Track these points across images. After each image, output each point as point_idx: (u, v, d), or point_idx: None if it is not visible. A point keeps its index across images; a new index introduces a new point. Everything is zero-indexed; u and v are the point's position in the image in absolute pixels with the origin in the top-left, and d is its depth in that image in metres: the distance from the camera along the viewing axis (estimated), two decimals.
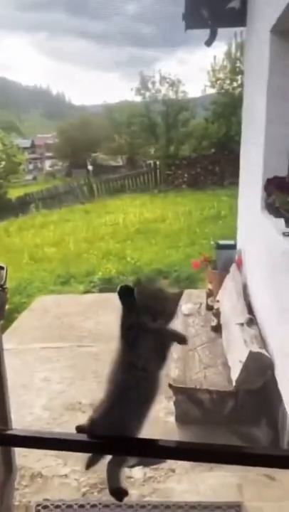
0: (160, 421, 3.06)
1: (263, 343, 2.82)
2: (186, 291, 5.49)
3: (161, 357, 1.06)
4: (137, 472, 2.50)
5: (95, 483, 2.39)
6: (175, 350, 3.14)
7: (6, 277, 1.70)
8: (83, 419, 3.07)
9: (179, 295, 1.05)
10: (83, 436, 1.04)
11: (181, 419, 2.92)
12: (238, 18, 4.24)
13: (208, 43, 4.62)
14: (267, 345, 2.82)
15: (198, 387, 2.81)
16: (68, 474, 2.47)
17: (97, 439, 1.04)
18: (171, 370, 2.96)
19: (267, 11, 2.97)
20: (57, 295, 5.92)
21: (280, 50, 2.92)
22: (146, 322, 1.01)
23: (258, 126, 3.25)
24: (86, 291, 5.89)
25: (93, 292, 5.85)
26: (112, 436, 1.04)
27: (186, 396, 2.84)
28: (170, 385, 2.83)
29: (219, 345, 3.20)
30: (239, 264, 3.97)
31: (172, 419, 3.01)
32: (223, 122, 16.67)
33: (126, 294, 1.04)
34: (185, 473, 2.45)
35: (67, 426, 3.13)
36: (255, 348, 2.61)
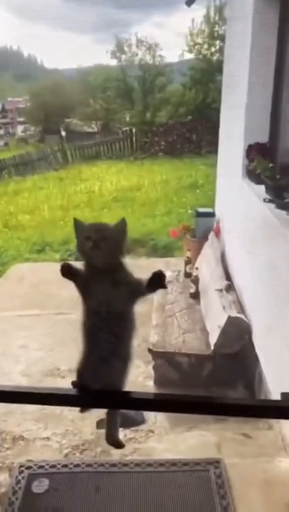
0: (139, 385, 3.11)
1: (240, 308, 2.87)
2: (164, 260, 5.53)
3: (123, 294, 1.06)
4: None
5: (77, 445, 2.43)
6: (154, 317, 3.17)
7: None
8: (62, 384, 3.09)
9: (121, 223, 1.07)
10: (67, 390, 1.06)
11: (160, 382, 2.98)
12: None
13: (189, 2, 4.47)
14: (245, 310, 2.88)
15: (176, 351, 2.86)
16: (50, 437, 2.50)
17: (85, 391, 1.06)
18: (151, 335, 3.00)
19: None
20: (32, 263, 5.84)
21: (263, 13, 2.85)
22: (92, 255, 1.02)
23: (240, 92, 3.20)
24: (62, 260, 5.82)
25: (69, 260, 5.79)
26: (100, 391, 1.07)
27: (164, 360, 2.89)
28: (149, 350, 2.87)
29: (198, 312, 3.25)
30: (217, 232, 4.00)
31: (151, 383, 3.07)
32: (200, 89, 16.39)
33: (65, 270, 1.07)
34: (165, 434, 2.51)
35: None
36: (234, 313, 2.67)
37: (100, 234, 1.03)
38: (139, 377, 3.22)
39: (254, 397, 2.82)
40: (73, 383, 1.15)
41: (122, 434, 2.66)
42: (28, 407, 2.69)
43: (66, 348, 3.64)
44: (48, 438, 2.49)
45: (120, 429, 1.23)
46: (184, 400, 1.07)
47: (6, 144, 31.23)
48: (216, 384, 2.89)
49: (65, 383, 3.21)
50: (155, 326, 3.07)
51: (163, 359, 2.85)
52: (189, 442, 2.43)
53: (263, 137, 3.04)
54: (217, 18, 15.82)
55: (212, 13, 15.85)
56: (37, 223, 8.09)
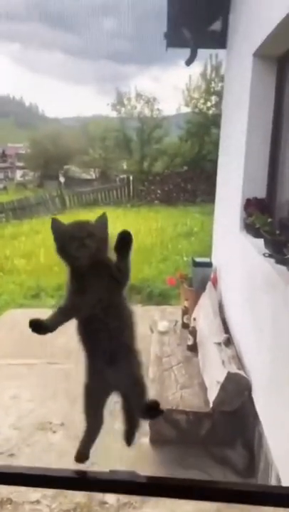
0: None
1: (240, 363, 2.81)
2: (160, 308, 5.46)
3: (111, 286, 1.00)
4: (111, 497, 2.41)
5: (68, 509, 2.29)
6: (151, 370, 3.09)
7: None
8: (54, 439, 2.95)
9: (102, 217, 1.02)
10: (70, 472, 0.96)
11: (156, 440, 2.86)
12: (219, 40, 4.34)
13: (189, 62, 4.69)
14: (244, 366, 2.81)
15: (174, 408, 2.76)
16: (40, 499, 2.36)
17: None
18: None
19: (250, 35, 3.04)
20: (27, 309, 5.76)
21: (261, 73, 2.98)
22: (78, 255, 0.96)
23: (238, 148, 3.29)
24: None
25: None
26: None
27: (161, 417, 2.78)
28: None
29: (195, 365, 3.17)
30: (215, 281, 3.98)
31: (146, 440, 2.94)
32: (196, 141, 16.96)
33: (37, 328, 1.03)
34: (161, 499, 2.38)
35: (38, 447, 3.01)
36: (233, 369, 2.60)
37: (85, 231, 0.98)
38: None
39: (253, 458, 2.70)
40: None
41: (115, 497, 2.53)
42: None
43: (59, 400, 3.52)
44: (37, 501, 2.34)
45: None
46: (168, 484, 0.96)
47: (4, 188, 31.75)
48: (214, 443, 2.78)
49: (56, 438, 3.07)
50: (152, 380, 2.98)
51: (160, 416, 2.74)
52: (186, 509, 2.29)
53: (261, 191, 3.11)
54: (213, 75, 16.62)
55: (209, 71, 16.66)
56: (32, 268, 8.06)
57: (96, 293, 0.99)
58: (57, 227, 1.01)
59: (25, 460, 2.87)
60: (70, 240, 0.98)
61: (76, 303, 1.03)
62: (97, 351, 1.03)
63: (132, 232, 1.02)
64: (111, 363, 1.02)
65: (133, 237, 1.03)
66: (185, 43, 4.39)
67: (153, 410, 1.07)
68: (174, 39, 4.41)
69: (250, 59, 2.96)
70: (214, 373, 2.76)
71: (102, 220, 1.02)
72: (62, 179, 23.24)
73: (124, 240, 1.00)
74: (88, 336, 1.03)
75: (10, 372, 3.99)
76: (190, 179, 16.71)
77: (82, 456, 1.11)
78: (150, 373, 3.06)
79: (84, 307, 1.01)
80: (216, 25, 4.24)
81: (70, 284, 1.02)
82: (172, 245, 9.49)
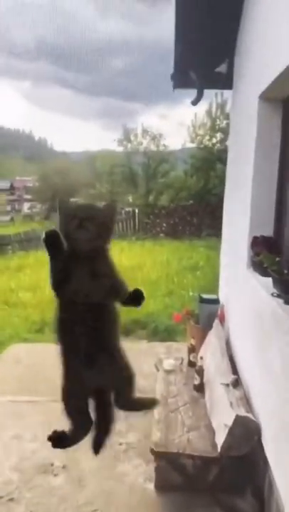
0: (138, 488, 2.88)
1: (248, 405, 2.73)
2: (166, 344, 5.39)
3: (101, 285, 0.94)
4: None
5: None
6: (157, 411, 3.01)
7: None
8: (55, 483, 2.84)
9: (110, 205, 0.97)
10: None
11: (161, 486, 2.76)
12: (225, 81, 4.47)
13: (195, 102, 4.82)
14: (253, 408, 2.73)
15: (180, 451, 2.66)
16: None
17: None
18: (153, 432, 2.82)
19: (255, 78, 3.12)
20: (30, 344, 5.69)
21: (267, 115, 3.04)
22: (76, 236, 0.91)
23: (244, 187, 3.32)
24: None
25: None
26: None
27: (167, 461, 2.68)
28: (151, 450, 2.68)
29: (202, 406, 3.09)
30: (222, 318, 3.94)
31: (151, 486, 2.83)
32: (201, 176, 17.21)
33: (51, 239, 0.96)
34: None
35: (39, 491, 2.90)
36: (242, 412, 2.52)
37: (86, 213, 0.93)
38: (139, 478, 2.99)
39: (263, 506, 2.58)
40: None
41: None
42: None
43: None
44: None
45: None
46: None
47: (11, 219, 32.16)
48: (222, 489, 2.67)
49: (58, 482, 2.97)
50: (157, 421, 2.89)
51: (166, 460, 2.65)
52: None
53: (268, 228, 3.11)
54: (219, 112, 17.03)
55: (214, 108, 17.09)
56: (37, 301, 8.03)
57: (82, 284, 0.94)
58: (63, 206, 0.97)
59: (26, 505, 2.77)
60: (71, 219, 0.94)
61: (63, 276, 0.96)
62: (76, 349, 0.96)
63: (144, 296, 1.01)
64: (90, 362, 0.96)
65: (145, 299, 1.00)
66: (191, 84, 4.52)
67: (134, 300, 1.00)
68: (180, 80, 4.54)
69: (256, 101, 3.02)
70: (222, 416, 2.68)
71: (110, 208, 0.98)
72: None
73: (136, 300, 0.99)
74: (67, 331, 0.97)
75: (12, 409, 3.89)
76: (195, 213, 16.85)
77: (57, 436, 1.04)
78: (156, 414, 2.98)
79: (68, 287, 0.95)
80: (222, 68, 4.37)
81: (64, 262, 0.96)
82: (178, 279, 9.45)
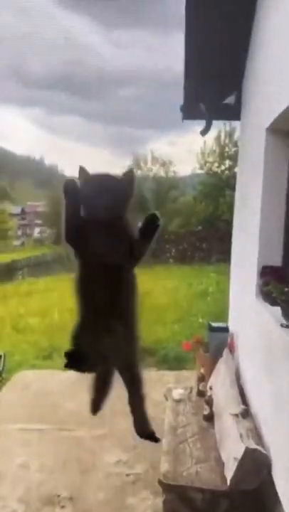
0: None
1: (258, 437, 2.69)
2: (175, 372, 5.35)
3: (121, 247, 0.93)
4: None
5: None
6: (165, 442, 2.97)
7: (3, 365, 1.63)
8: None
9: (129, 174, 0.98)
10: None
11: None
12: (233, 112, 4.58)
13: (204, 132, 4.92)
14: (263, 440, 2.69)
15: (189, 484, 2.62)
16: None
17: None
18: (161, 463, 2.78)
19: (262, 111, 3.20)
20: (38, 370, 5.69)
21: (275, 147, 3.10)
22: (95, 204, 0.91)
23: (253, 217, 3.35)
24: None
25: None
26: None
27: (176, 494, 2.63)
28: (159, 482, 2.64)
29: (212, 437, 3.04)
30: (231, 347, 3.91)
31: None
32: (210, 202, 17.37)
33: (69, 188, 0.97)
34: None
35: None
36: (252, 445, 2.48)
37: (107, 183, 0.95)
38: (147, 511, 2.93)
39: None
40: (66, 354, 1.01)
41: None
42: None
43: (68, 470, 3.39)
44: None
45: None
46: None
47: (22, 244, 32.52)
48: None
49: None
50: (166, 452, 2.85)
51: (174, 493, 2.60)
52: None
53: (277, 258, 3.13)
54: (227, 140, 17.29)
55: (223, 136, 17.37)
56: (46, 327, 8.05)
57: (102, 246, 0.94)
58: (83, 175, 0.99)
59: None
60: (90, 189, 0.96)
61: (76, 227, 0.96)
62: (91, 311, 0.96)
63: (160, 216, 1.00)
64: (104, 327, 0.95)
65: (161, 222, 0.99)
66: (200, 115, 4.63)
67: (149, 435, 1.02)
68: (190, 112, 4.66)
69: (263, 133, 3.09)
70: (231, 448, 2.64)
71: (129, 177, 1.00)
72: None
73: (152, 222, 0.98)
74: (84, 293, 0.97)
75: (20, 437, 3.87)
76: (204, 238, 16.91)
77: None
78: (164, 445, 2.94)
79: (87, 249, 0.94)
80: (230, 99, 4.48)
81: (77, 216, 0.96)
82: (187, 305, 9.43)
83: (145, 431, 1.05)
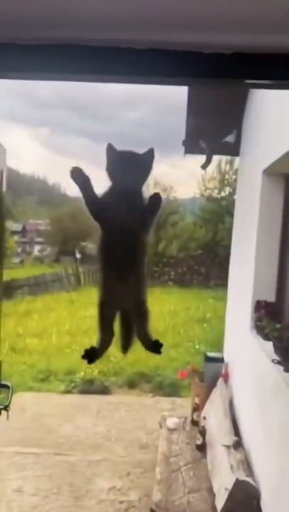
0: None
1: (249, 468, 2.77)
2: (170, 399, 5.41)
3: (137, 216, 1.09)
4: None
5: None
6: (158, 470, 3.05)
7: (10, 397, 1.74)
8: None
9: (150, 152, 1.15)
10: None
11: None
12: (233, 149, 4.79)
13: (204, 166, 5.13)
14: (253, 472, 2.77)
15: None
16: None
17: None
18: (154, 492, 2.85)
19: (259, 155, 3.39)
20: (36, 393, 5.74)
21: (270, 189, 3.28)
22: (119, 177, 1.08)
23: (248, 253, 3.50)
24: (66, 391, 5.72)
25: (73, 393, 5.69)
26: None
27: None
28: (152, 511, 2.71)
29: (204, 467, 3.12)
30: (225, 377, 4.00)
31: None
32: (210, 228, 17.56)
33: (79, 177, 1.13)
34: None
35: None
36: (242, 476, 2.57)
37: (132, 158, 1.12)
38: None
39: None
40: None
41: None
42: None
43: (62, 496, 3.44)
44: None
45: None
46: None
47: (21, 262, 32.58)
48: None
49: None
50: (159, 481, 2.93)
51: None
52: None
53: (271, 293, 3.26)
54: (228, 168, 17.60)
55: (223, 164, 17.68)
56: (44, 348, 8.11)
57: (121, 211, 1.11)
58: (110, 150, 1.16)
59: None
60: (118, 162, 1.12)
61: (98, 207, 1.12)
62: (112, 265, 1.15)
63: (161, 196, 1.16)
64: (122, 277, 1.11)
65: (162, 201, 1.16)
66: (202, 150, 4.84)
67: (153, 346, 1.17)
68: (191, 147, 4.87)
69: (260, 175, 3.27)
70: (222, 479, 2.72)
71: (150, 154, 1.18)
72: (78, 255, 23.86)
73: (156, 200, 1.15)
74: (107, 249, 1.15)
75: (16, 461, 3.92)
76: (203, 262, 17.06)
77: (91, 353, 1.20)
78: (157, 474, 3.02)
79: (111, 219, 1.11)
80: (230, 138, 4.69)
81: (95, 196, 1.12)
82: (184, 330, 9.49)
83: (150, 341, 1.27)
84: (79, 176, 1.14)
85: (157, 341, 1.21)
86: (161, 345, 1.17)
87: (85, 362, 1.17)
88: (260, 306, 3.09)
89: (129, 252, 1.19)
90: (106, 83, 0.93)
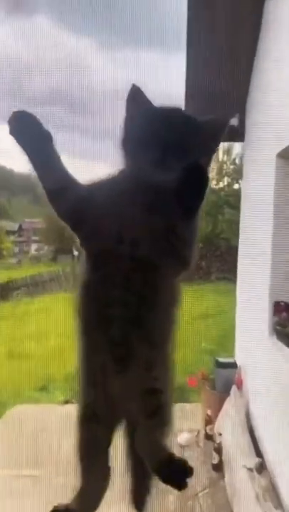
0: None
1: (276, 497, 2.41)
2: (179, 406, 5.03)
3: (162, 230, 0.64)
4: None
5: None
6: (172, 499, 2.68)
7: None
8: None
9: (216, 121, 0.71)
10: None
11: None
12: (237, 134, 4.39)
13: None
14: (281, 500, 2.41)
15: None
16: None
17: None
18: None
19: (274, 135, 3.00)
20: (34, 405, 5.39)
21: (286, 173, 2.90)
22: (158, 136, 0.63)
23: (261, 246, 3.13)
24: (66, 401, 5.36)
25: (73, 403, 5.33)
26: None
27: None
28: None
29: (222, 490, 2.76)
30: (239, 384, 3.64)
31: None
32: (209, 220, 17.16)
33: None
34: None
35: None
36: (270, 510, 2.20)
37: (180, 123, 0.67)
38: None
39: None
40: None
41: None
42: None
43: None
44: None
45: None
46: None
47: (18, 262, 32.21)
48: None
49: None
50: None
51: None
52: None
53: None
54: (225, 158, 17.18)
55: (220, 154, 17.24)
56: (41, 352, 7.75)
57: (133, 220, 0.61)
58: (137, 99, 0.68)
59: None
60: (156, 120, 0.65)
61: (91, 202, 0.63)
62: (103, 345, 0.62)
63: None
64: (122, 367, 0.61)
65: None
66: None
67: (166, 468, 0.63)
68: None
69: (274, 159, 2.89)
70: (246, 509, 2.36)
71: (217, 123, 0.74)
72: (76, 253, 23.56)
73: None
74: (91, 316, 0.63)
75: (11, 486, 3.56)
76: (204, 256, 16.70)
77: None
78: (171, 502, 2.66)
79: (103, 224, 0.61)
80: (234, 121, 4.29)
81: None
82: (188, 327, 9.14)
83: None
84: (23, 125, 0.65)
85: (173, 458, 0.66)
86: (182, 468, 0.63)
87: None
88: (280, 308, 2.72)
89: (138, 307, 0.66)
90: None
